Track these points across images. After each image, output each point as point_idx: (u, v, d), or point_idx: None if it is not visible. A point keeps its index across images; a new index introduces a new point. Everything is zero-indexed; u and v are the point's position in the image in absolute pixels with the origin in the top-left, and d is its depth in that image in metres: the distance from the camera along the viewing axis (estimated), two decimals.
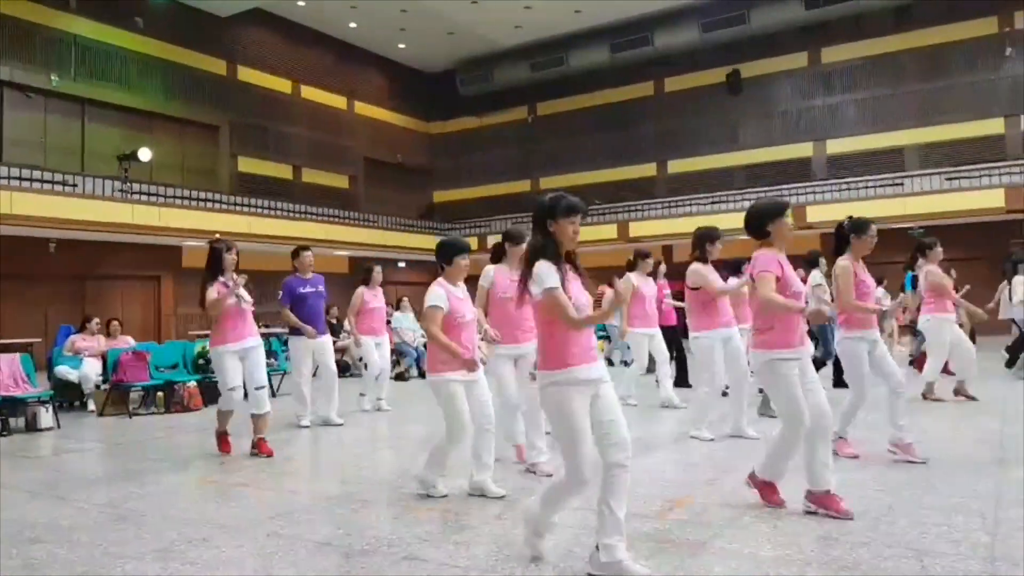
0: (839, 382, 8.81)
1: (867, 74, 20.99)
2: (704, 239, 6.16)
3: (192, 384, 9.06)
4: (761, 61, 22.12)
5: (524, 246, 4.35)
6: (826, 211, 18.90)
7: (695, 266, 6.18)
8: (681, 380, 9.39)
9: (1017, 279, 10.10)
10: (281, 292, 7.50)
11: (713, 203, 21.07)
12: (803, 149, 21.70)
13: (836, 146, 21.17)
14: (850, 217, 5.33)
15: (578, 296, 3.19)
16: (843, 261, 5.08)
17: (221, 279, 5.95)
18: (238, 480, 5.15)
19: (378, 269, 8.59)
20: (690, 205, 21.35)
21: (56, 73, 17.25)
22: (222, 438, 6.08)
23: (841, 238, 5.19)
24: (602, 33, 23.11)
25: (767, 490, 4.08)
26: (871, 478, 4.68)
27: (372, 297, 8.45)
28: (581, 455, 3.09)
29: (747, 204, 19.94)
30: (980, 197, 17.49)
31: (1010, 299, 10.24)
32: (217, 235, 6.82)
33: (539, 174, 26.01)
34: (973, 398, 7.72)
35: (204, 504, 4.57)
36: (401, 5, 21.57)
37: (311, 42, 23.39)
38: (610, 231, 22.04)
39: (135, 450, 6.53)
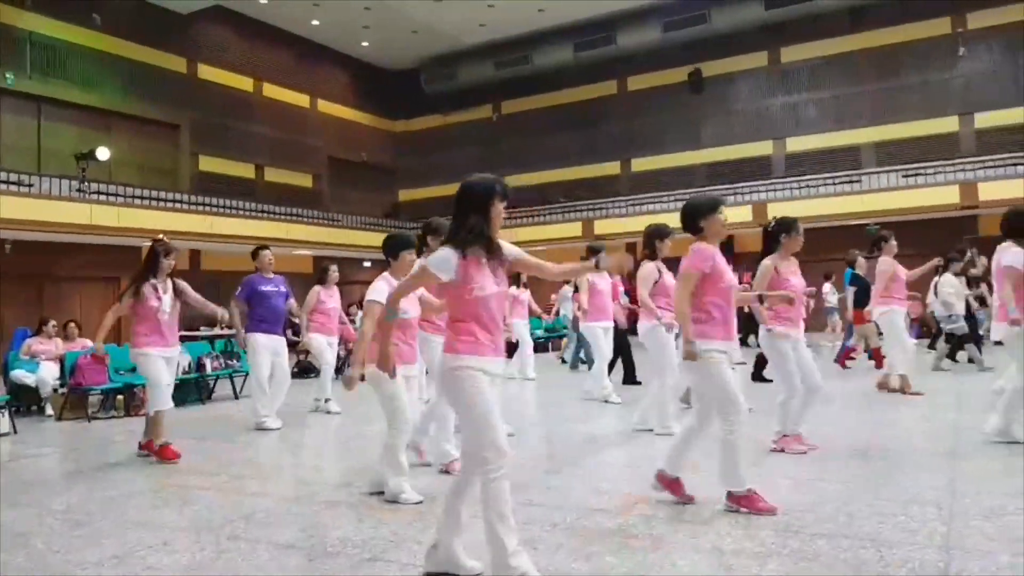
0: (758, 376, 9.01)
1: (825, 73, 21.36)
2: (653, 236, 6.20)
3: None
4: (722, 60, 22.39)
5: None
6: (786, 208, 19.12)
7: (644, 264, 6.28)
8: (629, 378, 9.52)
9: (945, 277, 10.27)
10: (240, 287, 7.43)
11: (675, 200, 21.24)
12: (763, 147, 22.02)
13: (795, 144, 21.51)
14: (775, 217, 5.51)
15: (488, 285, 3.11)
16: (767, 261, 5.30)
17: (152, 281, 5.94)
18: (199, 483, 5.09)
19: (334, 268, 8.63)
20: (653, 203, 21.53)
21: (11, 71, 16.84)
22: (165, 448, 5.80)
23: (770, 238, 5.35)
24: (566, 32, 23.20)
25: (673, 486, 4.16)
26: (829, 471, 4.79)
27: (328, 296, 8.50)
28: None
29: None
30: (935, 194, 17.91)
31: (935, 294, 10.47)
32: (161, 236, 6.75)
33: (504, 172, 25.91)
34: (918, 392, 7.82)
35: (164, 508, 4.51)
36: (364, 3, 21.44)
37: (273, 40, 23.13)
38: (574, 229, 22.15)
39: (94, 455, 6.42)
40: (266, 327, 7.38)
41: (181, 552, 3.59)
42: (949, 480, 4.43)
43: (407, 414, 4.42)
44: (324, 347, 8.39)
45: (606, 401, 8.12)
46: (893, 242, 7.92)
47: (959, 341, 10.16)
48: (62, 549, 3.70)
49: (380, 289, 4.35)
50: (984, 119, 19.49)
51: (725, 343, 4.08)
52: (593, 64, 23.57)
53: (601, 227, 21.65)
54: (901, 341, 7.83)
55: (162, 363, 5.86)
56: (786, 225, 5.36)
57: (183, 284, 6.23)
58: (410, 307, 4.50)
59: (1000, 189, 16.93)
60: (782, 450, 5.30)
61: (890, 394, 7.95)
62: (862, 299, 10.97)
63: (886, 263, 7.79)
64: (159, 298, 5.90)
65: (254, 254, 7.57)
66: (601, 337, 8.03)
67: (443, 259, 3.09)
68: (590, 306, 7.93)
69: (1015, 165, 17.50)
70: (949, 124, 19.92)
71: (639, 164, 23.91)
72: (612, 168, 24.33)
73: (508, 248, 3.29)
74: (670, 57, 22.74)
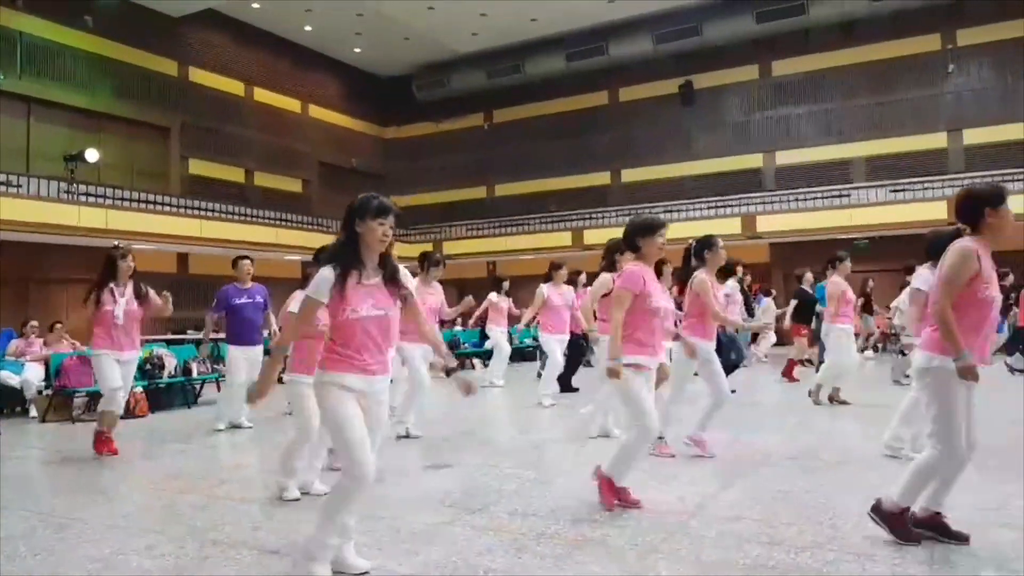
0: None
1: (816, 87, 21.51)
2: (614, 250, 6.36)
3: (139, 390, 8.86)
4: (713, 73, 22.51)
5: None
6: (775, 221, 19.34)
7: (601, 275, 6.44)
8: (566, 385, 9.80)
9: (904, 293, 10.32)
10: (215, 302, 7.48)
11: (666, 211, 21.36)
12: (753, 160, 22.13)
13: (785, 157, 21.63)
14: (694, 238, 5.80)
15: (375, 302, 3.15)
16: (701, 275, 5.56)
17: (111, 285, 6.10)
18: (184, 487, 5.06)
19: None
20: (643, 213, 21.58)
21: (1, 71, 16.76)
22: (101, 437, 6.14)
23: (695, 256, 5.66)
24: (558, 42, 23.29)
25: (607, 487, 4.24)
26: (810, 483, 4.80)
27: None
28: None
29: (699, 213, 20.59)
30: (923, 209, 18.01)
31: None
32: (117, 244, 6.83)
33: (495, 180, 26.08)
34: (844, 402, 8.19)
35: (149, 512, 4.48)
36: (357, 9, 21.46)
37: (265, 44, 23.12)
38: (564, 238, 22.19)
39: (78, 457, 6.36)
40: (242, 339, 7.44)
41: (165, 556, 3.56)
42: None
43: (313, 422, 4.43)
44: None
45: (539, 404, 8.59)
46: (848, 263, 8.18)
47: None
48: (43, 552, 3.67)
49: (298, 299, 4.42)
50: (972, 135, 19.68)
51: (647, 359, 4.29)
52: (585, 74, 23.67)
53: (591, 237, 21.68)
54: (844, 357, 8.08)
55: (113, 365, 6.00)
56: (708, 243, 5.66)
57: (146, 288, 6.32)
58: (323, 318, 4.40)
59: None
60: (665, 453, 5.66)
61: (831, 405, 8.20)
62: (804, 313, 11.16)
63: (836, 284, 8.04)
64: (115, 301, 6.04)
65: (233, 263, 7.69)
66: (555, 347, 8.70)
67: (319, 281, 3.11)
68: (545, 319, 8.64)
69: (1003, 181, 17.65)
70: (938, 140, 20.09)
71: (629, 175, 24.00)
72: (603, 178, 24.41)
73: (407, 280, 3.41)
74: (661, 68, 22.86)
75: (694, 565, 3.33)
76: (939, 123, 20.01)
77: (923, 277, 5.32)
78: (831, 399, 8.21)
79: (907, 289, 10.13)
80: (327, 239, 21.24)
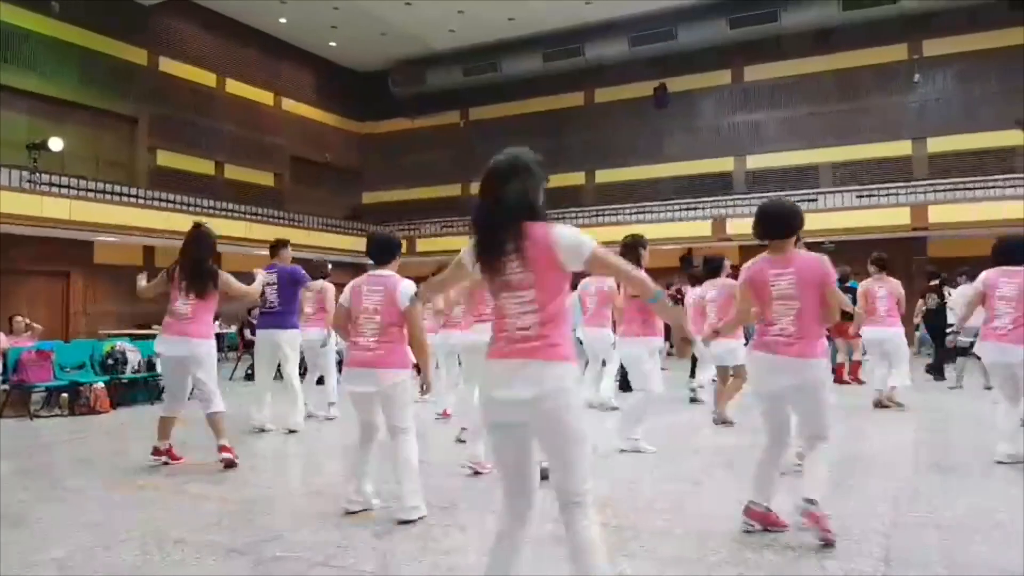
0: (625, 386, 9.10)
1: (786, 93, 21.78)
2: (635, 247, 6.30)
3: (99, 385, 8.70)
4: (687, 76, 22.70)
5: None
6: (745, 224, 19.45)
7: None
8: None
9: (960, 291, 10.29)
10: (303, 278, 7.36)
11: (639, 212, 21.51)
12: (725, 163, 22.36)
13: (756, 161, 21.87)
14: (629, 235, 6.02)
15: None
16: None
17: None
18: (147, 485, 4.98)
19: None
20: (617, 214, 21.73)
21: None
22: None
23: (630, 253, 5.75)
24: (535, 41, 23.32)
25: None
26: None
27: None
28: None
29: (671, 215, 20.76)
30: (888, 215, 18.37)
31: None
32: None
33: (471, 178, 26.02)
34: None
35: (110, 510, 4.40)
36: (333, 3, 21.30)
37: (239, 35, 22.84)
38: None
39: (37, 454, 6.24)
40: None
41: (125, 555, 3.50)
42: (896, 491, 4.53)
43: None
44: None
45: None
46: (872, 267, 8.30)
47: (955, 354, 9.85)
48: (1, 550, 3.59)
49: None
50: (936, 144, 20.07)
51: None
52: (561, 75, 23.74)
53: None
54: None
55: (164, 360, 5.82)
56: (644, 241, 5.89)
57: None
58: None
59: (949, 212, 17.48)
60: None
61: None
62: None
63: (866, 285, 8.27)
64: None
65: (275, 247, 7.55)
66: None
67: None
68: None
69: (964, 190, 18.04)
70: (903, 147, 20.46)
71: (603, 175, 24.11)
72: (577, 178, 24.48)
73: None
74: (636, 71, 22.99)
75: (656, 562, 3.36)
76: (904, 131, 20.38)
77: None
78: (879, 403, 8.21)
79: (962, 289, 10.09)
80: (300, 234, 21.00)
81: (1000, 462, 5.28)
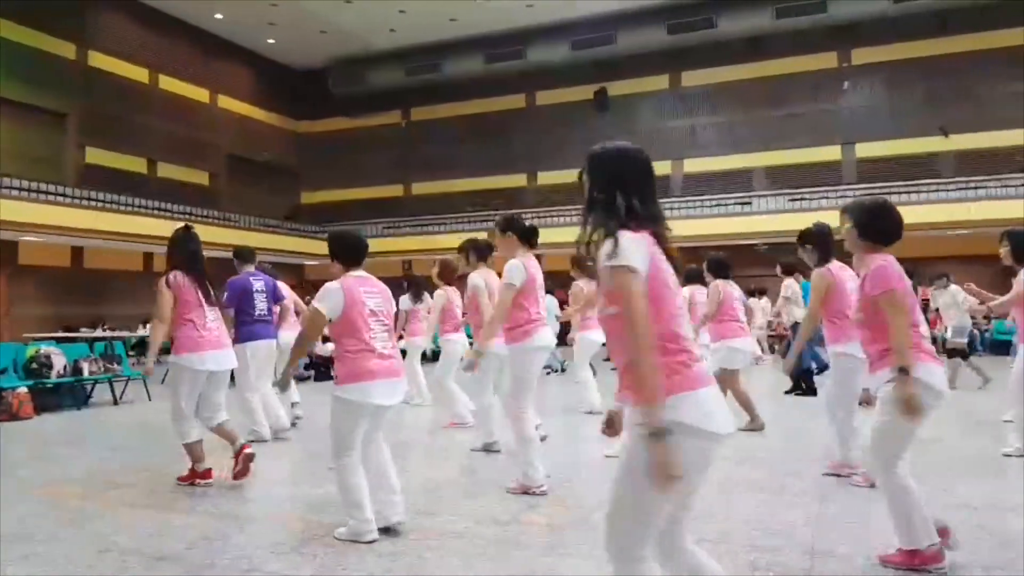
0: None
1: (722, 98, 22.33)
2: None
3: (23, 391, 8.39)
4: (627, 81, 23.07)
5: None
6: (682, 227, 19.79)
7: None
8: None
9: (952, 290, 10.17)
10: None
11: (579, 215, 21.64)
12: (662, 167, 22.74)
13: (692, 165, 22.36)
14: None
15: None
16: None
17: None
18: (73, 493, 4.83)
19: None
20: (559, 216, 21.90)
21: None
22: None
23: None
24: (477, 43, 23.37)
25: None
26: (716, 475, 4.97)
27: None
28: None
29: None
30: (818, 218, 18.93)
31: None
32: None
33: (412, 179, 25.95)
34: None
35: (32, 519, 4.26)
36: (272, 0, 20.98)
37: (172, 31, 22.29)
38: (481, 238, 22.25)
39: None
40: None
41: (46, 566, 3.40)
42: (815, 486, 4.70)
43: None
44: None
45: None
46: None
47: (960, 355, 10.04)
48: None
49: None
50: (864, 149, 20.83)
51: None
52: (503, 77, 23.84)
53: None
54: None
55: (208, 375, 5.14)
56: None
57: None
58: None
59: None
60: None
61: None
62: None
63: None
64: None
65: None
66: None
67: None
68: (447, 324, 7.66)
69: (889, 193, 18.73)
70: (833, 152, 21.17)
71: (545, 177, 24.30)
72: (520, 180, 24.63)
73: None
74: (577, 75, 23.24)
75: (593, 561, 3.42)
76: (834, 137, 21.09)
77: None
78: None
79: (953, 291, 9.99)
80: (236, 235, 20.57)
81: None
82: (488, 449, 5.93)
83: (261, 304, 6.60)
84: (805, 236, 5.41)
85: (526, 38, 22.90)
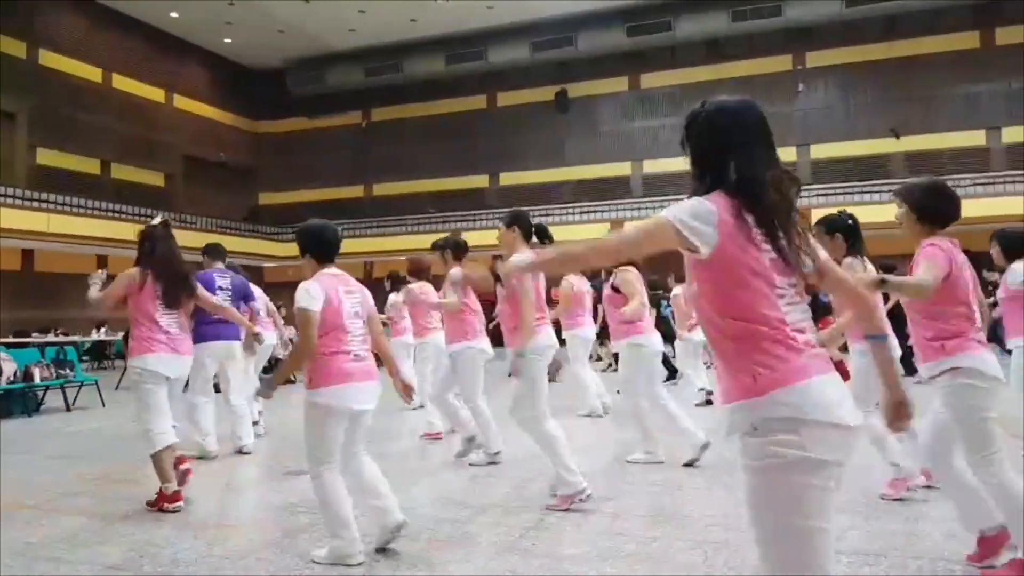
0: None
1: (681, 100, 22.53)
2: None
3: None
4: (587, 82, 23.22)
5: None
6: None
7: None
8: None
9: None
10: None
11: (542, 215, 21.79)
12: (623, 168, 22.97)
13: (652, 166, 22.56)
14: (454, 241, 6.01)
15: None
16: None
17: None
18: (21, 502, 4.73)
19: None
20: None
21: None
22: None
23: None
24: (437, 44, 23.35)
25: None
26: (662, 479, 5.05)
27: None
28: None
29: (573, 217, 21.14)
30: None
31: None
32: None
33: (373, 180, 25.79)
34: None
35: None
36: None
37: (126, 29, 21.87)
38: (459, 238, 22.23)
39: None
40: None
41: None
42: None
43: None
44: None
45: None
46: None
47: None
48: None
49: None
50: (819, 151, 21.25)
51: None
52: (464, 78, 23.85)
53: (469, 238, 21.54)
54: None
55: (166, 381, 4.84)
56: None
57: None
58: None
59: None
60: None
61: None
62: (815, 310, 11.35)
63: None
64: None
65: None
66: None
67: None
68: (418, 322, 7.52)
69: (842, 194, 19.16)
70: (788, 154, 21.52)
71: (507, 178, 24.35)
72: (481, 181, 24.63)
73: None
74: (538, 76, 23.35)
75: (551, 559, 3.45)
76: (789, 138, 21.43)
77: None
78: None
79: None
80: (192, 236, 20.27)
81: None
82: (490, 459, 5.57)
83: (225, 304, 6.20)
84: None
85: (487, 39, 22.94)
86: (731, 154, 1.85)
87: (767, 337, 1.73)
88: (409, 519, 3.60)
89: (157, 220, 5.00)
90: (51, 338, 14.50)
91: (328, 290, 3.55)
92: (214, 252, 6.61)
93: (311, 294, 3.48)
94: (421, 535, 3.83)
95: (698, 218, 1.75)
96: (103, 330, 16.25)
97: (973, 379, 3.00)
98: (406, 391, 3.80)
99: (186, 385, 5.78)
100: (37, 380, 9.04)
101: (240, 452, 6.15)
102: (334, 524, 3.40)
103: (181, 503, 4.43)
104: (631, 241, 1.91)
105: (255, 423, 6.99)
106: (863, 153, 20.76)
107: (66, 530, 4.06)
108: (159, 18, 22.08)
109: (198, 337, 6.01)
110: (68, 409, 9.21)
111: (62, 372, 9.38)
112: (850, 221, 4.56)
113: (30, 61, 19.53)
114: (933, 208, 3.20)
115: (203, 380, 6.16)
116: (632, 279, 5.39)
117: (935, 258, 3.02)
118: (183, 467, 4.61)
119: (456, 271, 5.54)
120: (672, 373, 10.00)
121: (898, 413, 1.93)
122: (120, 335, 15.47)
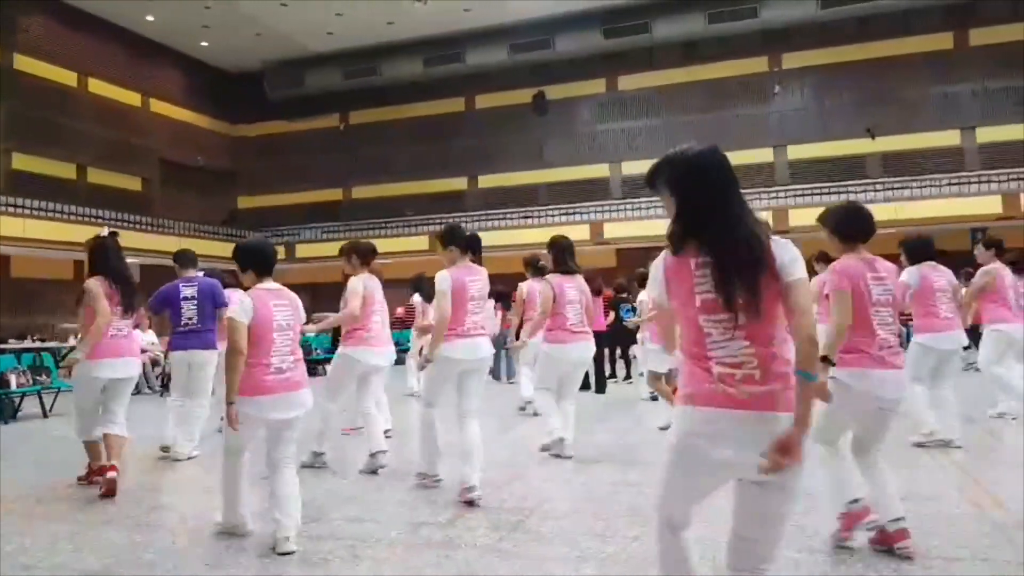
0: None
1: (658, 102, 22.70)
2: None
3: None
4: (565, 84, 23.28)
5: None
6: (621, 229, 20.26)
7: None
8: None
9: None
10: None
11: (521, 217, 21.88)
12: (601, 170, 23.04)
13: (630, 168, 22.58)
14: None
15: None
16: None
17: None
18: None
19: None
20: (500, 219, 22.01)
21: None
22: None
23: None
24: (415, 47, 23.31)
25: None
26: (638, 479, 5.09)
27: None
28: None
29: (551, 219, 21.20)
30: None
31: None
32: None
33: (352, 183, 25.71)
34: None
35: None
36: (205, 2, 20.56)
37: (102, 33, 21.64)
38: (421, 243, 22.18)
39: None
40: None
41: None
42: None
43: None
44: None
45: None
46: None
47: None
48: None
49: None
50: (795, 151, 21.45)
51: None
52: (442, 80, 23.84)
53: None
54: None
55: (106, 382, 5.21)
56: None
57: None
58: None
59: (808, 215, 18.57)
60: None
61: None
62: None
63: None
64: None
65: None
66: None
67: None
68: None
69: (819, 194, 19.37)
70: (766, 155, 21.72)
71: (486, 180, 24.35)
72: (460, 183, 24.63)
73: None
74: (516, 78, 23.38)
75: (532, 560, 3.49)
76: (766, 139, 21.65)
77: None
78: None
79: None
80: (170, 241, 20.12)
81: None
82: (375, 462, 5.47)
83: (189, 312, 6.31)
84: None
85: (465, 42, 22.95)
86: (693, 201, 2.30)
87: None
88: (389, 520, 3.63)
89: (105, 232, 5.34)
90: (28, 344, 14.33)
91: (257, 302, 3.79)
92: (183, 259, 6.65)
93: (243, 307, 3.76)
94: (400, 537, 3.86)
95: (651, 283, 2.31)
96: (79, 337, 16.09)
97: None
98: None
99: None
100: (13, 387, 8.96)
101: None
102: (225, 499, 3.94)
103: (113, 474, 4.84)
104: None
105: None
106: (839, 154, 20.97)
107: (41, 537, 4.05)
108: (135, 21, 21.88)
109: (171, 345, 6.41)
110: (45, 416, 9.14)
111: (39, 378, 9.30)
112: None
113: (4, 64, 19.28)
114: (845, 228, 3.68)
115: (179, 385, 6.36)
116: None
117: (838, 287, 3.46)
118: (109, 474, 4.87)
119: (357, 280, 5.56)
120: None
121: (780, 447, 1.97)
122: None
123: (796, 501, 2.15)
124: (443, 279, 4.64)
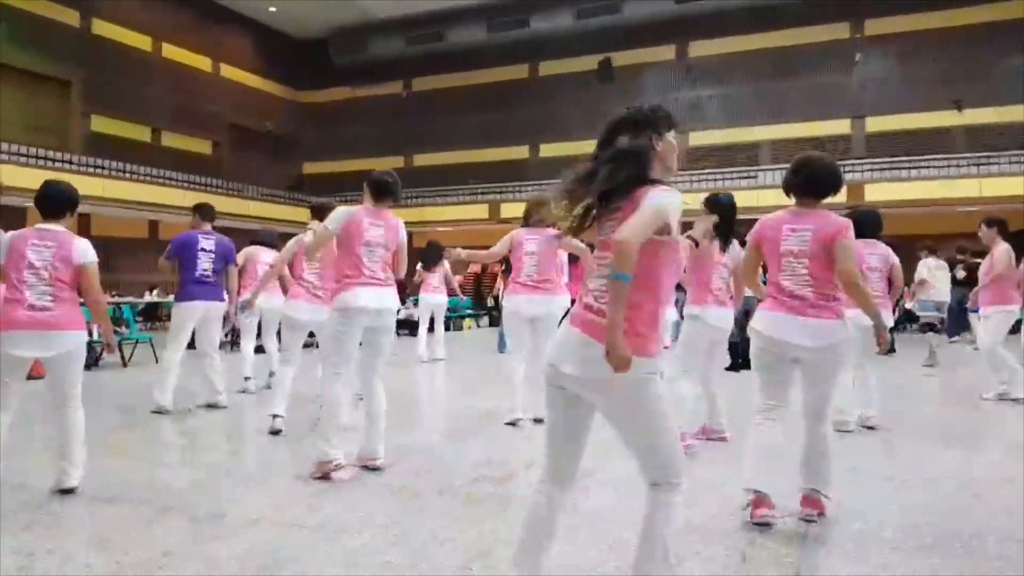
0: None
1: (728, 70, 22.03)
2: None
3: None
4: (632, 51, 22.80)
5: None
6: (685, 200, 19.83)
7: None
8: None
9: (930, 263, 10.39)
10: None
11: None
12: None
13: (696, 139, 22.05)
14: None
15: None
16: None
17: None
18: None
19: None
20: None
21: None
22: None
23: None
24: (480, 12, 23.12)
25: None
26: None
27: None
28: None
29: None
30: None
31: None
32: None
33: (412, 150, 25.81)
34: None
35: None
36: None
37: None
38: (482, 211, 22.23)
39: None
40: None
41: None
42: None
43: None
44: None
45: None
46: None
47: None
48: None
49: None
50: (875, 123, 20.57)
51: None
52: (506, 46, 23.61)
53: (508, 210, 21.76)
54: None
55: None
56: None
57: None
58: None
59: (884, 191, 18.00)
60: None
61: None
62: None
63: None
64: None
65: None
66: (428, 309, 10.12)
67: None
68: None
69: (899, 169, 18.63)
70: (842, 126, 20.95)
71: (547, 149, 24.13)
72: (521, 152, 24.49)
73: None
74: (582, 45, 23.00)
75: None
76: (843, 110, 20.83)
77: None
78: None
79: (926, 262, 9.96)
80: (239, 204, 20.50)
81: None
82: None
83: (205, 264, 6.32)
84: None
85: (530, 7, 22.63)
86: None
87: None
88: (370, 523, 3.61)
89: None
90: (108, 298, 14.89)
91: (12, 240, 3.81)
92: (205, 212, 6.76)
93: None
94: (377, 535, 3.84)
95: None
96: (155, 292, 16.63)
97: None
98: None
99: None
100: (95, 337, 9.31)
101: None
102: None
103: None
104: None
105: (247, 379, 7.36)
106: (923, 126, 19.86)
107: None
108: None
109: (179, 296, 6.43)
110: (124, 365, 9.49)
111: (119, 329, 9.67)
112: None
113: (83, 30, 19.87)
114: (791, 182, 3.66)
115: (180, 338, 6.38)
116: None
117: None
118: None
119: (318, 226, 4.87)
120: None
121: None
122: (171, 296, 15.85)
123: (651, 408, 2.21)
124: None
